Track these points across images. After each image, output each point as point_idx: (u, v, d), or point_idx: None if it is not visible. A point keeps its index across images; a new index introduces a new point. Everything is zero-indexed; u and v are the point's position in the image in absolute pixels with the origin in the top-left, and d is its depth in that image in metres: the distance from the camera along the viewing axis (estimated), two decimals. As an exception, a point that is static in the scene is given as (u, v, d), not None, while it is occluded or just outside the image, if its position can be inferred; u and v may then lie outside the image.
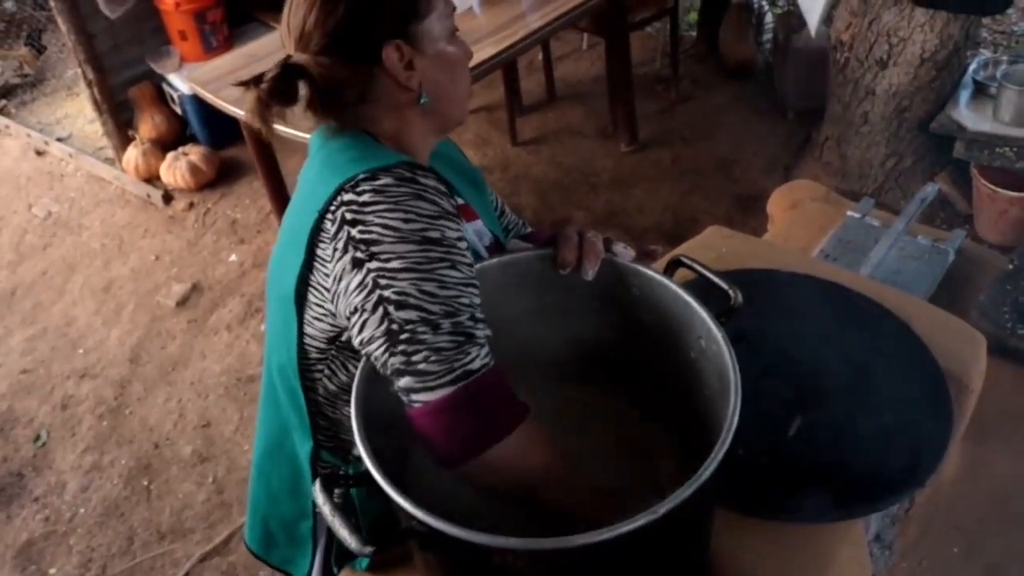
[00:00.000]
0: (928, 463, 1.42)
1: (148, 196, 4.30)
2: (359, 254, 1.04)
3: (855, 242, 2.17)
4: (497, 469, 1.04)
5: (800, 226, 2.35)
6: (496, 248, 1.33)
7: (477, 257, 1.24)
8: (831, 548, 1.36)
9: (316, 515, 1.36)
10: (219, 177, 4.31)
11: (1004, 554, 1.60)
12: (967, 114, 3.20)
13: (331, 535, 1.40)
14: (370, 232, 1.03)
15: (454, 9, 1.22)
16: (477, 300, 1.07)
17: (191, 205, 4.23)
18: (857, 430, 1.47)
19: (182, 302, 3.67)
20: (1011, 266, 2.05)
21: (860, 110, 3.40)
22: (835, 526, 1.37)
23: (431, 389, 1.01)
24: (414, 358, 1.01)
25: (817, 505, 1.36)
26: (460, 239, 1.07)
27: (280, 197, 3.66)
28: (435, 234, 1.04)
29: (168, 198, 4.27)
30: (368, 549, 0.92)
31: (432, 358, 1.01)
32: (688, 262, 1.19)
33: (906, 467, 1.41)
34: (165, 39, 4.34)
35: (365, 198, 1.05)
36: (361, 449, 0.98)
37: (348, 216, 1.05)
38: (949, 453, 1.50)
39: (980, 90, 3.27)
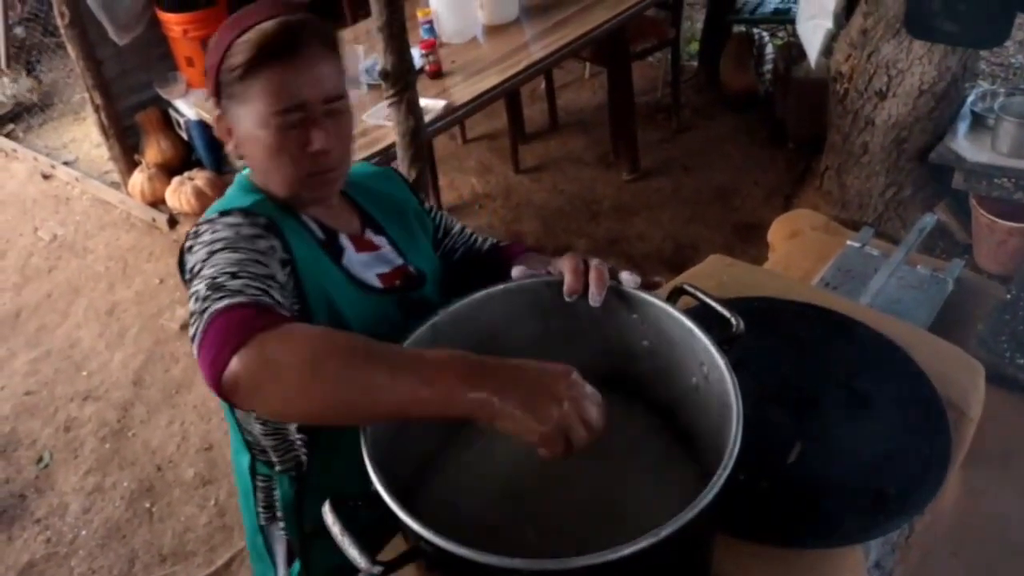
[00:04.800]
0: (927, 489, 1.43)
1: (153, 220, 4.33)
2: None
3: (855, 271, 2.19)
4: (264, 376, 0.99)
5: (800, 255, 2.37)
6: (418, 276, 1.43)
7: (361, 287, 1.34)
8: (830, 574, 1.37)
9: (263, 528, 1.46)
10: (224, 202, 4.34)
11: (1004, 579, 1.62)
12: (965, 145, 3.24)
13: (291, 552, 1.48)
14: (192, 251, 1.20)
15: (298, 105, 1.26)
16: (250, 269, 1.13)
17: (195, 229, 4.26)
18: (856, 456, 1.49)
19: (186, 325, 3.69)
20: (1009, 296, 2.07)
21: (860, 140, 3.44)
22: (834, 552, 1.38)
23: (192, 337, 1.07)
24: (191, 306, 1.10)
25: (816, 530, 1.38)
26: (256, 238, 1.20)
27: (284, 222, 3.68)
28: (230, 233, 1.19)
29: (173, 222, 4.30)
30: (377, 569, 0.93)
31: (193, 307, 1.10)
32: (691, 290, 1.22)
33: (905, 493, 1.42)
34: (172, 65, 4.40)
35: (201, 228, 1.22)
36: (370, 470, 1.00)
37: (186, 244, 1.23)
38: (948, 480, 1.51)
39: (978, 121, 3.31)
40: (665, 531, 0.91)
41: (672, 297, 1.25)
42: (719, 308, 1.18)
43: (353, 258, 1.36)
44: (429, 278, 1.44)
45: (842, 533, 1.38)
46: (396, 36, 2.35)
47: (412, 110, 2.45)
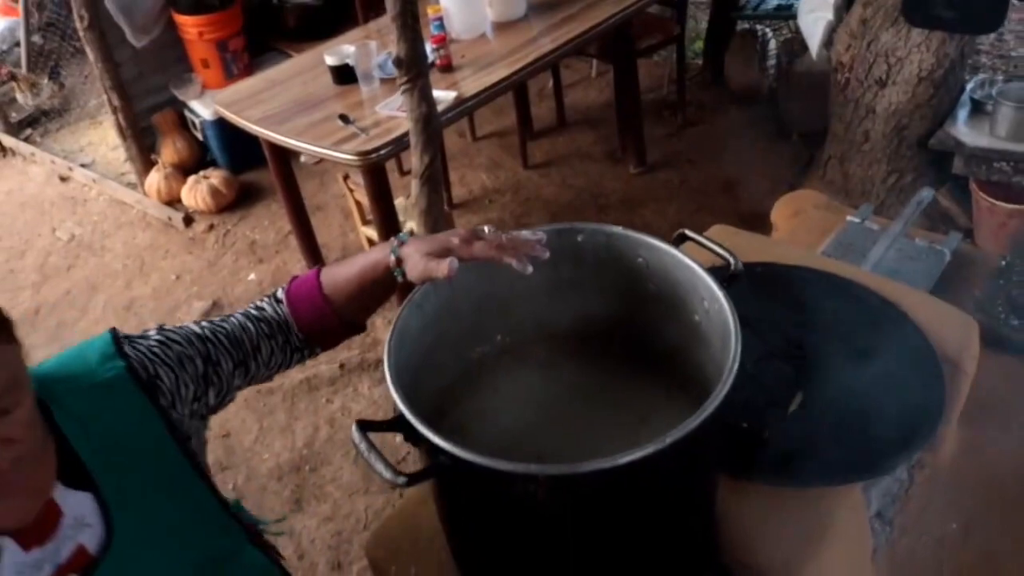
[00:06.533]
0: (923, 434, 1.50)
1: (169, 219, 4.42)
2: None
3: (855, 244, 2.25)
4: None
5: (803, 232, 2.44)
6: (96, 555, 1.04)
7: None
8: (831, 511, 1.43)
9: None
10: (238, 200, 4.44)
11: (1000, 529, 1.68)
12: (965, 131, 3.30)
13: None
14: None
15: None
16: None
17: (211, 227, 4.35)
18: (855, 405, 1.55)
19: (202, 319, 3.76)
20: (1004, 263, 2.14)
21: (861, 129, 3.50)
22: (835, 491, 1.45)
23: None
24: None
25: (816, 471, 1.44)
26: None
27: (299, 218, 3.78)
28: None
29: (189, 220, 4.39)
30: (401, 479, 1.00)
31: None
32: (691, 235, 1.29)
33: (902, 438, 1.49)
34: (188, 67, 4.50)
35: None
36: (393, 393, 1.07)
37: None
38: (943, 427, 1.58)
39: (977, 108, 3.37)
40: (670, 438, 0.97)
41: (674, 244, 1.32)
42: (717, 249, 1.25)
43: (17, 561, 0.99)
44: (121, 551, 1.04)
45: (840, 472, 1.45)
46: (409, 25, 2.42)
47: (425, 97, 2.53)
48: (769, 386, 1.60)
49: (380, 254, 1.20)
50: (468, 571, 1.30)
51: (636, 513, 1.09)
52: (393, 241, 1.19)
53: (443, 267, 1.10)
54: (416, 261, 1.14)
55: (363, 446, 1.04)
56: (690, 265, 1.22)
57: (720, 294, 1.15)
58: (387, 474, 1.01)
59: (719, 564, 1.43)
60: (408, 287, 1.23)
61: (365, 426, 1.08)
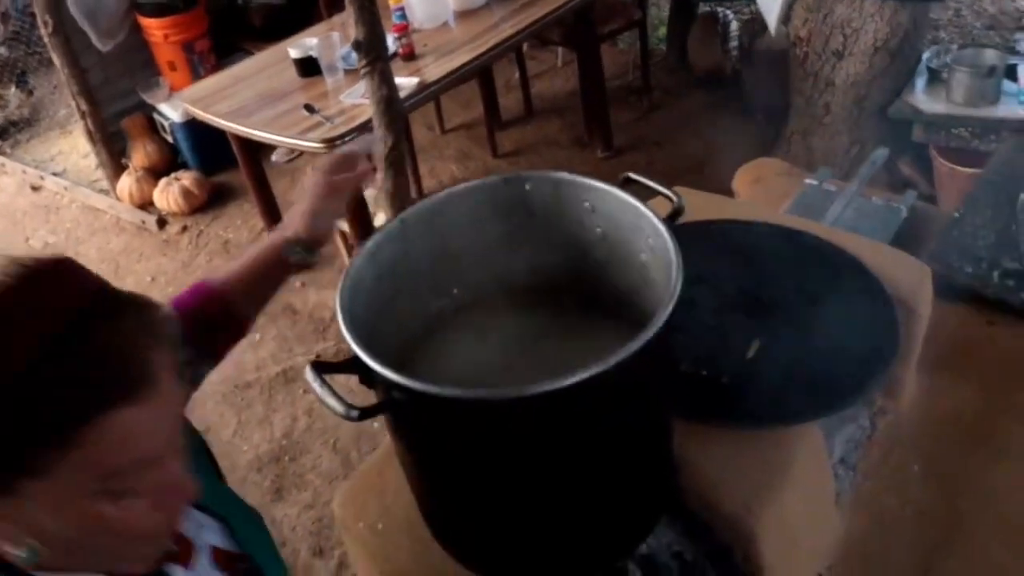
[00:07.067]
0: (878, 373, 1.53)
1: (142, 222, 4.42)
2: None
3: (814, 206, 2.28)
4: None
5: (764, 198, 2.48)
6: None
7: None
8: (791, 453, 1.46)
9: None
10: (211, 201, 4.45)
11: (957, 467, 1.72)
12: (923, 99, 3.35)
13: None
14: None
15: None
16: None
17: (184, 228, 4.35)
18: (812, 350, 1.58)
19: (178, 318, 3.77)
20: (957, 215, 2.18)
21: (822, 101, 3.55)
22: (794, 433, 1.48)
23: None
24: None
25: (775, 411, 1.47)
26: None
27: (272, 216, 3.80)
28: None
29: (162, 223, 4.39)
30: (354, 413, 1.02)
31: None
32: (634, 177, 1.32)
33: (858, 377, 1.52)
34: (155, 70, 4.52)
35: None
36: (345, 332, 1.09)
37: None
38: (898, 365, 1.62)
39: (934, 76, 3.42)
40: (615, 359, 0.99)
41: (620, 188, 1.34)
42: (660, 188, 1.28)
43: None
44: (245, 536, 1.09)
45: (798, 411, 1.47)
46: (367, 7, 2.46)
47: (385, 79, 2.56)
48: (727, 335, 1.63)
49: (271, 238, 1.27)
50: (430, 516, 1.32)
51: (589, 442, 1.11)
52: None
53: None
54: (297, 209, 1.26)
55: (316, 384, 1.06)
56: (633, 204, 1.24)
57: (662, 228, 1.17)
58: (339, 408, 1.03)
59: (683, 509, 1.46)
60: None
61: (320, 367, 1.10)
